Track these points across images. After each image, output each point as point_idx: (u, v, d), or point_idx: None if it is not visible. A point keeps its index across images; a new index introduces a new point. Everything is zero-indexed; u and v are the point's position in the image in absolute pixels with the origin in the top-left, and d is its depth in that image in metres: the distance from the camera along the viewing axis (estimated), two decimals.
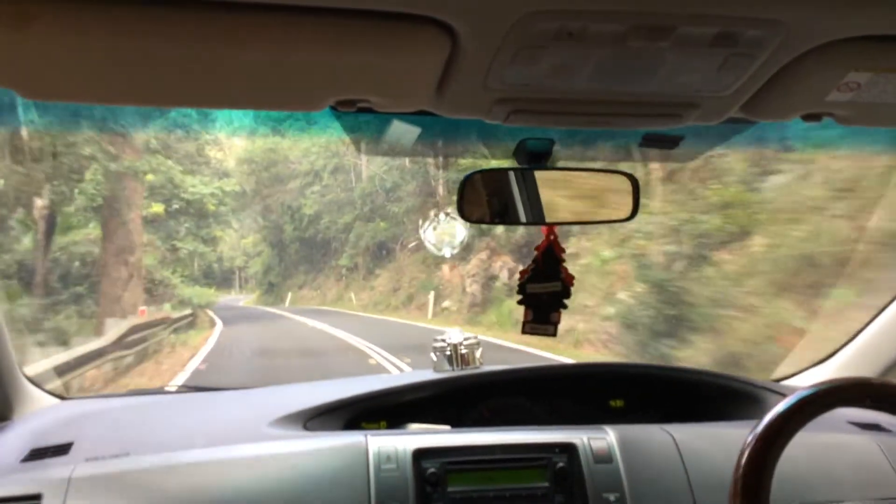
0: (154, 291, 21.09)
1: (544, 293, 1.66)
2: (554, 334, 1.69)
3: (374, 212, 32.05)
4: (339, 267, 35.13)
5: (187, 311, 21.08)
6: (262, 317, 26.60)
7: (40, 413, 2.02)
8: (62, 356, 10.06)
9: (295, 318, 23.95)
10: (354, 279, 33.22)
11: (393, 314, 24.12)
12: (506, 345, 13.26)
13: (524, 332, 1.70)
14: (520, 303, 1.68)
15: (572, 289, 1.68)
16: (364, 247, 31.83)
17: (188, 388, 2.35)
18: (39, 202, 15.88)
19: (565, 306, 1.68)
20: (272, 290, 45.94)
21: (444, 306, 21.71)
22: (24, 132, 13.78)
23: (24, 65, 0.98)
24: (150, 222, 22.98)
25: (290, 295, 41.12)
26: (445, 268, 22.51)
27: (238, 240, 54.81)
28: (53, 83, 1.07)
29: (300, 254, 41.91)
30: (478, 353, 2.20)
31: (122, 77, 1.04)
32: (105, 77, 1.04)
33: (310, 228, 38.32)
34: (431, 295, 22.74)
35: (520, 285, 1.67)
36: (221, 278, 60.90)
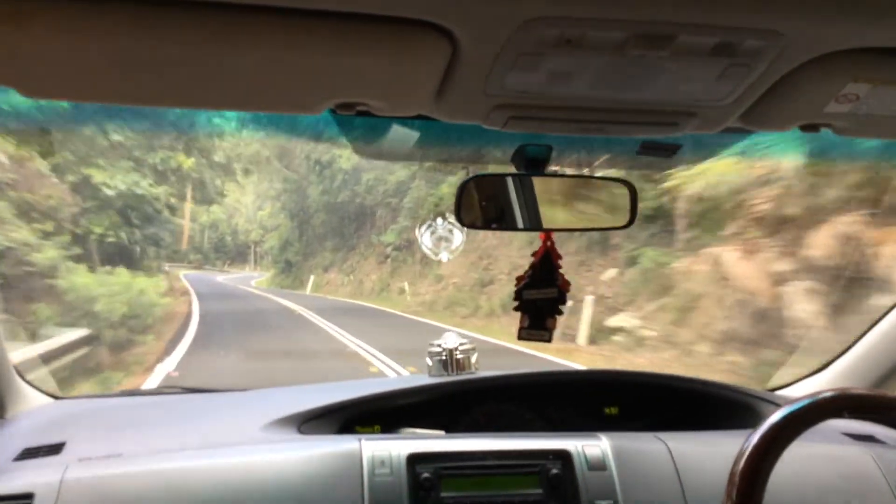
0: None
1: (540, 299, 1.73)
2: (549, 340, 1.75)
3: (442, 167, 22.68)
4: (382, 245, 28.53)
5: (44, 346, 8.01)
6: (272, 319, 18.09)
7: (33, 412, 2.07)
8: None
9: (325, 329, 15.35)
10: (405, 263, 25.92)
11: (493, 328, 15.13)
12: None
13: (520, 337, 1.77)
14: (516, 309, 1.75)
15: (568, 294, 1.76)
16: (424, 218, 21.90)
17: (183, 389, 2.39)
18: None
19: (561, 312, 1.74)
20: (289, 271, 40.10)
21: (613, 324, 12.82)
22: None
23: (23, 63, 1.01)
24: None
25: (311, 279, 34.52)
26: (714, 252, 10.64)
27: (255, 211, 51.15)
28: (52, 81, 1.10)
29: (328, 225, 35.60)
30: (473, 359, 2.25)
31: (120, 77, 1.07)
32: (103, 76, 1.07)
33: (344, 190, 32.28)
34: (589, 304, 13.62)
35: (516, 291, 1.74)
36: (236, 252, 59.93)
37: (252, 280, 43.76)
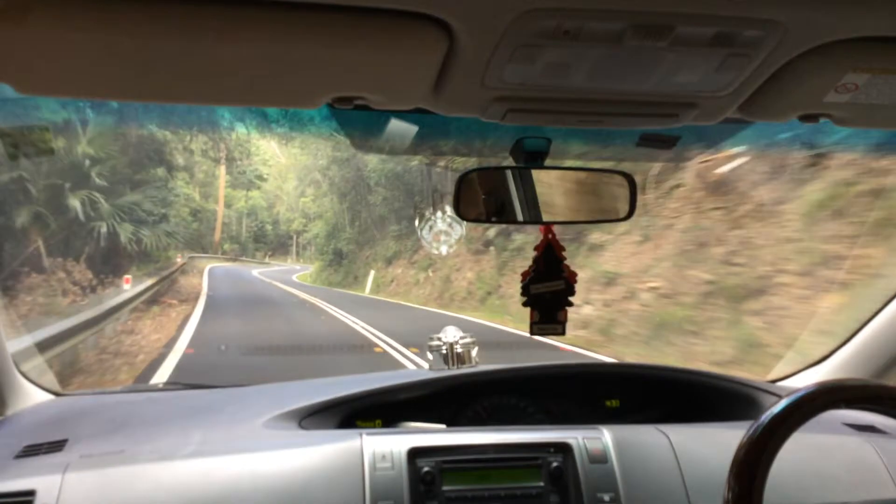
0: None
1: (548, 293, 1.79)
2: (563, 333, 1.80)
3: None
4: (482, 227, 18.20)
5: None
6: None
7: (35, 409, 2.14)
8: None
9: None
10: (522, 254, 17.66)
11: None
12: None
13: (532, 333, 1.81)
14: (524, 304, 1.80)
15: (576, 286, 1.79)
16: None
17: (183, 385, 2.50)
18: None
19: (570, 304, 1.79)
20: (340, 263, 34.00)
21: None
22: None
23: (20, 59, 1.04)
24: None
25: (371, 275, 27.83)
26: None
27: (296, 198, 48.80)
28: (49, 78, 1.13)
29: (392, 203, 29.08)
30: (474, 353, 2.33)
31: (118, 72, 1.09)
32: (100, 72, 1.10)
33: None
34: None
35: (523, 287, 1.79)
36: (277, 244, 56.95)
37: (294, 275, 39.34)
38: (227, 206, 51.89)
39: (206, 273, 32.82)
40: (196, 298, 20.06)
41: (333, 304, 19.81)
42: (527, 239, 17.30)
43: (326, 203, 38.14)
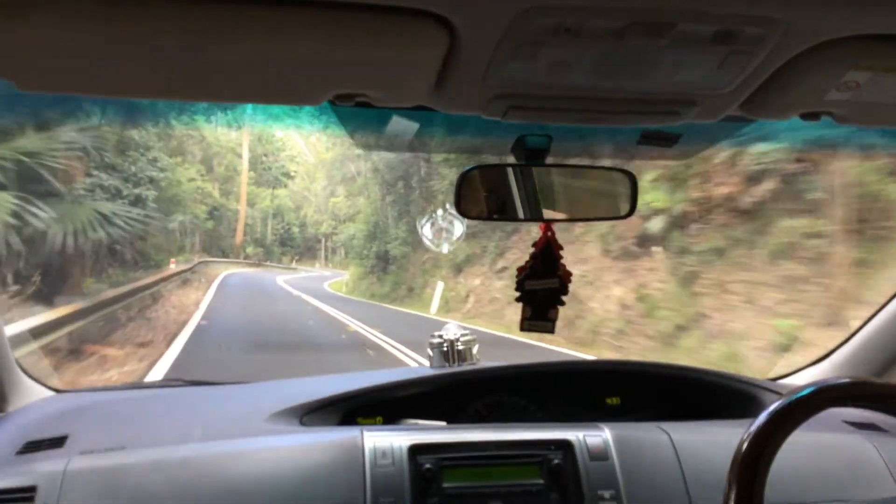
0: None
1: (542, 290, 1.86)
2: (552, 331, 1.85)
3: None
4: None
5: None
6: None
7: (36, 405, 2.18)
8: None
9: None
10: (725, 257, 10.98)
11: None
12: None
13: (522, 328, 1.87)
14: (518, 300, 1.85)
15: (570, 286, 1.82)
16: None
17: (184, 381, 2.55)
18: None
19: (562, 303, 1.85)
20: (384, 270, 28.45)
21: None
22: None
23: (21, 55, 1.06)
24: None
25: (439, 287, 21.64)
26: None
27: (325, 199, 47.84)
28: (50, 74, 1.16)
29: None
30: (474, 350, 2.38)
31: (119, 69, 1.12)
32: (102, 69, 1.12)
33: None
34: None
35: (518, 282, 1.84)
36: (304, 248, 53.79)
37: (325, 283, 35.93)
38: (251, 205, 50.45)
39: (217, 283, 27.04)
40: (171, 338, 11.98)
41: (383, 333, 12.78)
42: (716, 237, 11.87)
43: (362, 201, 34.91)
